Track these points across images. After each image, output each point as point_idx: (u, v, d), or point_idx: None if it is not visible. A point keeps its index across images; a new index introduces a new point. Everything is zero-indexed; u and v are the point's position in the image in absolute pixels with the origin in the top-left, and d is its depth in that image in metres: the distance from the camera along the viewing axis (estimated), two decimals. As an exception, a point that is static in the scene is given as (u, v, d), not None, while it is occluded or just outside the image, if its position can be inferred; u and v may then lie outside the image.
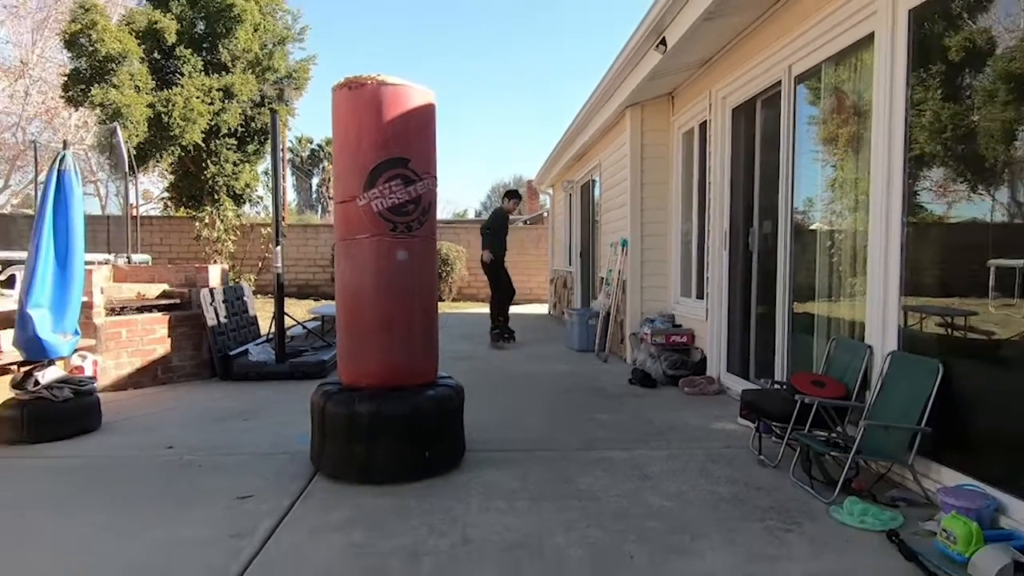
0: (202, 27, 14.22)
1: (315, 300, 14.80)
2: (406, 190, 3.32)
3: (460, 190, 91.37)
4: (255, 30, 14.53)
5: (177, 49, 13.61)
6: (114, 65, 12.47)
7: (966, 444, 2.93)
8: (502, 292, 8.32)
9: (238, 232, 15.25)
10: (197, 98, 13.26)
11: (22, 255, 5.68)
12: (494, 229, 8.36)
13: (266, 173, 16.61)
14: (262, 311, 8.07)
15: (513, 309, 8.76)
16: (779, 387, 4.03)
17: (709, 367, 5.68)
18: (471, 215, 40.45)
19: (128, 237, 9.75)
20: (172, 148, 13.29)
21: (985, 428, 2.91)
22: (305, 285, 16.56)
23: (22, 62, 18.70)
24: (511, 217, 8.58)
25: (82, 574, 2.35)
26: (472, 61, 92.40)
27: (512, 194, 8.70)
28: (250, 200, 16.23)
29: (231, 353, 6.28)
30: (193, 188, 14.72)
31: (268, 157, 15.27)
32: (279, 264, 6.43)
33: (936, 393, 2.90)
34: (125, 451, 3.89)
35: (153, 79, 13.22)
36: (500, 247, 8.29)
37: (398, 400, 3.30)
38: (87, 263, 4.80)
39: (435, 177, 3.51)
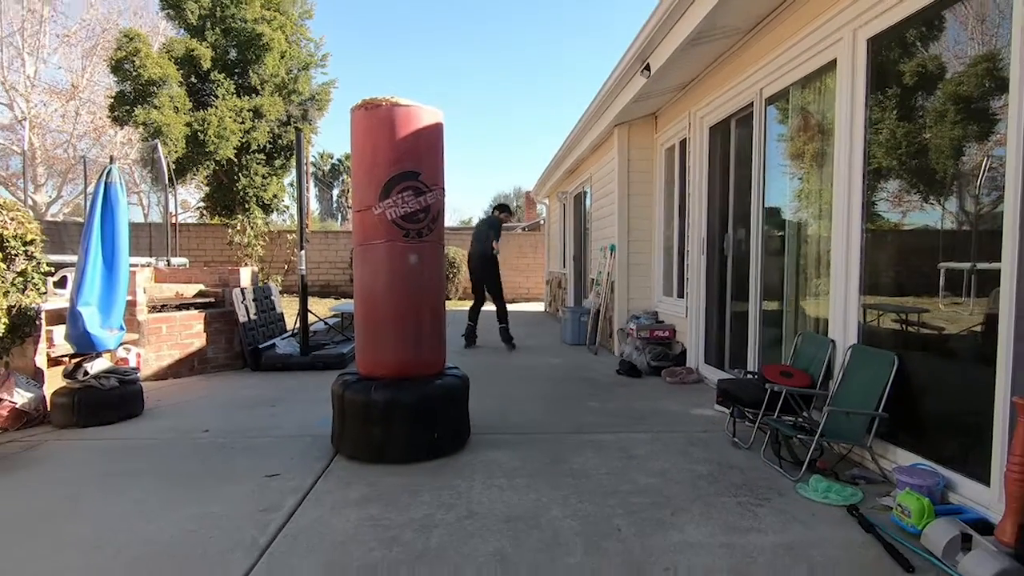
0: (234, 54, 14.24)
1: (336, 299, 14.78)
2: (417, 200, 3.32)
3: (465, 200, 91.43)
4: (282, 57, 14.55)
5: (212, 74, 13.63)
6: (155, 88, 12.48)
7: (919, 428, 2.94)
8: (500, 295, 7.68)
9: (266, 238, 15.26)
10: (230, 118, 13.28)
11: (73, 259, 5.66)
12: (495, 230, 7.75)
13: (291, 185, 16.61)
14: (288, 308, 8.07)
15: (513, 307, 8.72)
16: (751, 377, 4.03)
17: (689, 359, 5.68)
18: (475, 223, 40.43)
19: (168, 242, 9.75)
20: (207, 163, 13.31)
21: (936, 413, 2.91)
22: (327, 285, 16.54)
23: (73, 85, 18.69)
24: (504, 226, 8.29)
25: (125, 544, 2.35)
26: (478, 84, 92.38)
27: (504, 208, 8.32)
28: (277, 209, 16.26)
29: (260, 346, 6.28)
30: (226, 198, 14.74)
31: (293, 171, 15.28)
32: (303, 266, 6.43)
33: (892, 382, 2.91)
34: (165, 434, 3.89)
35: (190, 101, 13.24)
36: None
37: (410, 388, 3.30)
38: (131, 265, 4.79)
39: (443, 188, 3.51)
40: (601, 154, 7.90)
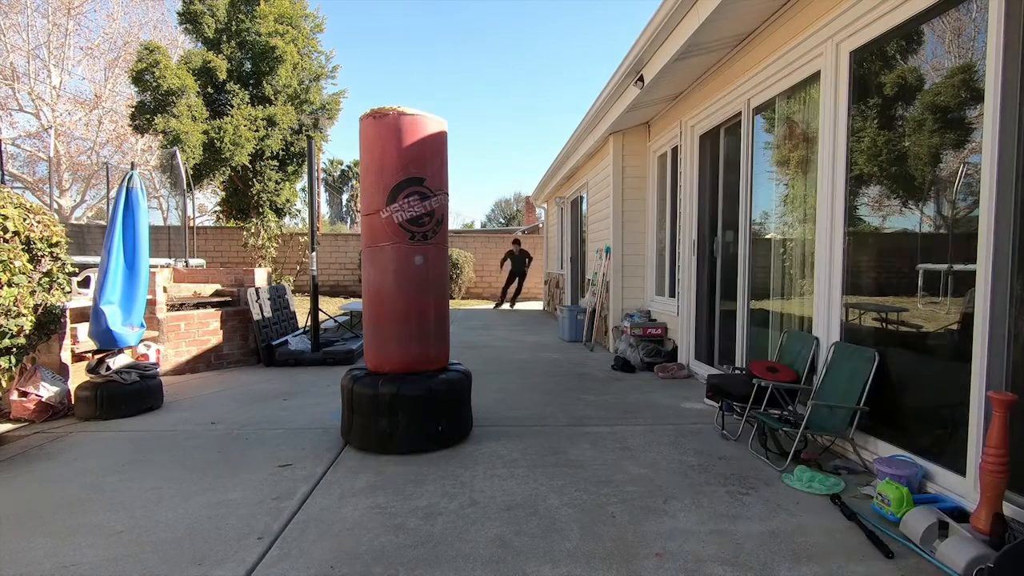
0: (249, 66, 14.22)
1: (345, 298, 14.77)
2: (422, 204, 3.32)
3: (468, 204, 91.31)
4: (294, 68, 14.51)
5: (228, 85, 13.61)
6: (174, 98, 12.46)
7: (898, 421, 2.93)
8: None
9: (279, 240, 15.24)
10: (245, 126, 13.25)
11: (96, 260, 5.67)
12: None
13: (303, 190, 16.58)
14: (300, 307, 8.07)
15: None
16: (739, 372, 4.02)
17: (680, 355, 5.68)
18: (477, 226, 40.39)
19: (186, 244, 9.75)
20: (223, 169, 13.28)
21: (914, 407, 2.91)
22: (336, 285, 16.54)
23: (96, 95, 18.67)
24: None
25: (147, 530, 2.36)
26: (481, 94, 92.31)
27: (516, 242, 13.24)
28: (289, 213, 16.21)
29: (274, 343, 6.27)
30: (241, 203, 14.71)
31: (305, 176, 15.25)
32: (314, 267, 6.43)
33: (873, 377, 2.91)
34: (183, 426, 3.89)
35: (207, 110, 13.21)
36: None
37: (415, 383, 3.30)
38: (151, 266, 4.80)
39: (447, 193, 3.51)
40: (596, 161, 7.90)
